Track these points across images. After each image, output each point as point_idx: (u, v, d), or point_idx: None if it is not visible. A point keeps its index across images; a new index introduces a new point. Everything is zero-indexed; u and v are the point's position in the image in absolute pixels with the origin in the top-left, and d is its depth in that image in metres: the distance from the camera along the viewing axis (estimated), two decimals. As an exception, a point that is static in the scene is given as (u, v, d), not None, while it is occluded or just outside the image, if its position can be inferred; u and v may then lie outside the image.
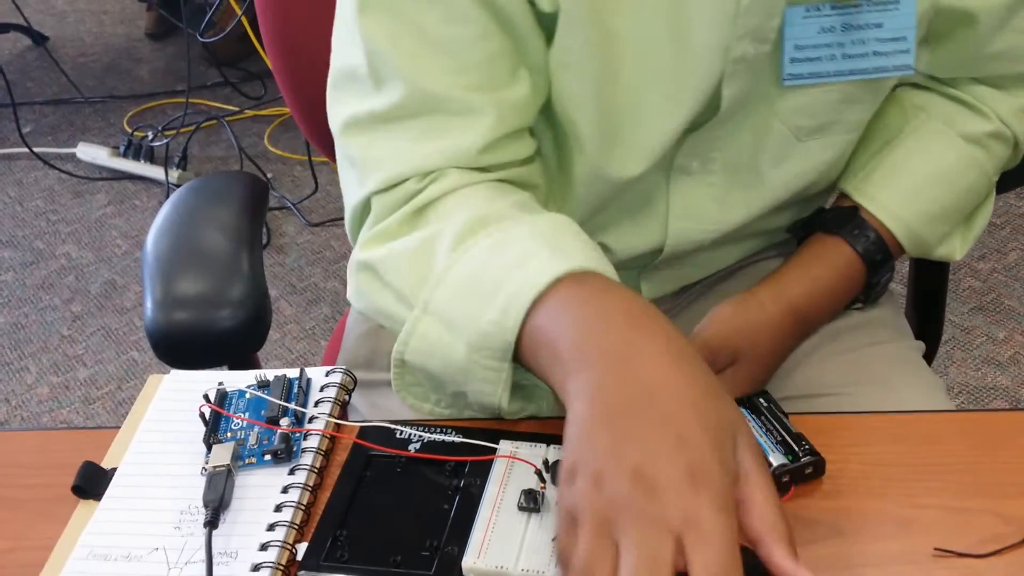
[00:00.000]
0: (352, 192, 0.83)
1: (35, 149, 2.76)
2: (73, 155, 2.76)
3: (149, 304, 0.93)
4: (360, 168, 0.82)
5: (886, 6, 0.82)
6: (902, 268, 1.08)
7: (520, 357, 0.71)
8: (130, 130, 2.81)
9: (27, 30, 3.15)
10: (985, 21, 0.87)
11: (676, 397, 0.62)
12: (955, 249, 0.96)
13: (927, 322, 1.21)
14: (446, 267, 0.73)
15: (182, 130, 2.74)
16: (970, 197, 0.95)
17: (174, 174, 2.62)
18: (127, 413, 0.81)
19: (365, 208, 0.83)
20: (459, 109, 0.79)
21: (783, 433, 0.73)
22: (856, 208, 0.92)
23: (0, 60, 2.82)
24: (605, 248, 0.93)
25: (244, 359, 0.99)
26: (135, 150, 2.70)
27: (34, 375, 2.16)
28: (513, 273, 0.70)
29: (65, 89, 3.00)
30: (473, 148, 0.79)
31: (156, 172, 2.66)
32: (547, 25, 0.80)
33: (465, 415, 0.78)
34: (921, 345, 1.02)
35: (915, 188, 0.92)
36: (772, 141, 0.88)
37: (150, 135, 2.75)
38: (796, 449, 0.72)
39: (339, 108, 0.83)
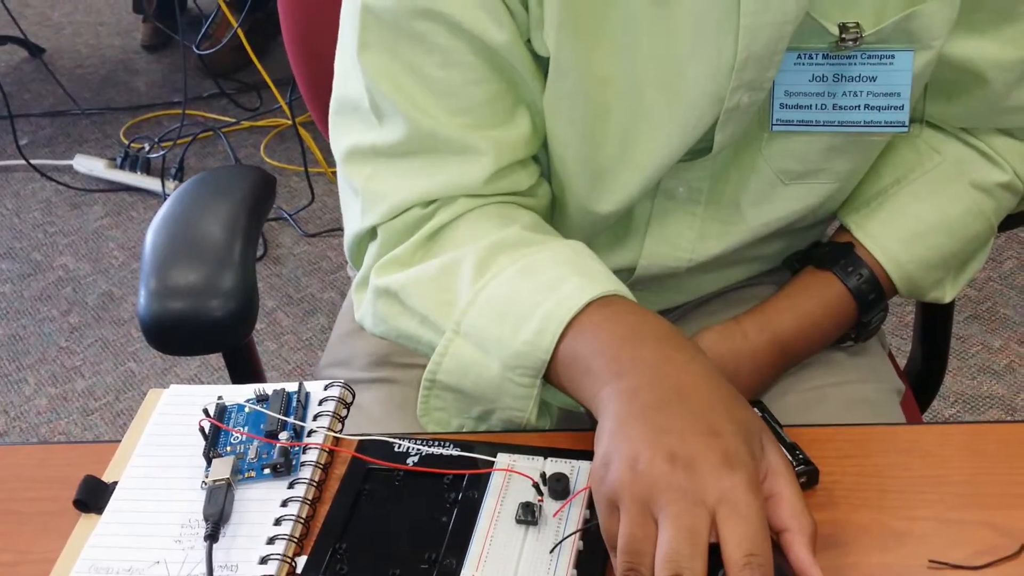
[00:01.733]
0: (354, 221, 0.85)
1: (32, 161, 2.76)
2: (70, 167, 2.76)
3: (143, 294, 0.94)
4: (363, 199, 0.84)
5: (881, 60, 0.81)
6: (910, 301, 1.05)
7: (550, 374, 0.75)
8: (127, 142, 2.81)
9: (24, 42, 3.15)
10: (997, 78, 0.86)
11: (706, 397, 0.67)
12: (946, 293, 0.95)
13: (931, 356, 1.21)
14: (475, 291, 0.77)
15: (179, 141, 2.74)
16: (971, 246, 0.94)
17: (171, 185, 2.63)
18: (125, 424, 0.81)
19: (367, 237, 0.85)
20: (459, 148, 0.81)
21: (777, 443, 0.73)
22: (851, 244, 0.91)
23: (-4, 72, 2.82)
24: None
25: (236, 346, 1.01)
26: (132, 162, 2.70)
27: (32, 386, 2.16)
28: (546, 296, 0.74)
29: (62, 101, 3.01)
30: (476, 183, 0.82)
31: (153, 183, 2.67)
32: (545, 68, 0.81)
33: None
34: (898, 387, 1.00)
35: (918, 234, 0.91)
36: (756, 181, 0.88)
37: (147, 147, 2.75)
38: (790, 459, 0.72)
39: (342, 136, 0.85)
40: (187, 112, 2.76)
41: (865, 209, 0.92)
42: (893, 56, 0.81)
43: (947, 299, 0.96)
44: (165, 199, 2.58)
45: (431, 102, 0.80)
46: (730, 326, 0.89)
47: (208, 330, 0.94)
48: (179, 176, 2.66)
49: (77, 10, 3.56)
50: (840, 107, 0.83)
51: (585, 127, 0.82)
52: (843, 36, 0.79)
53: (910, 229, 0.91)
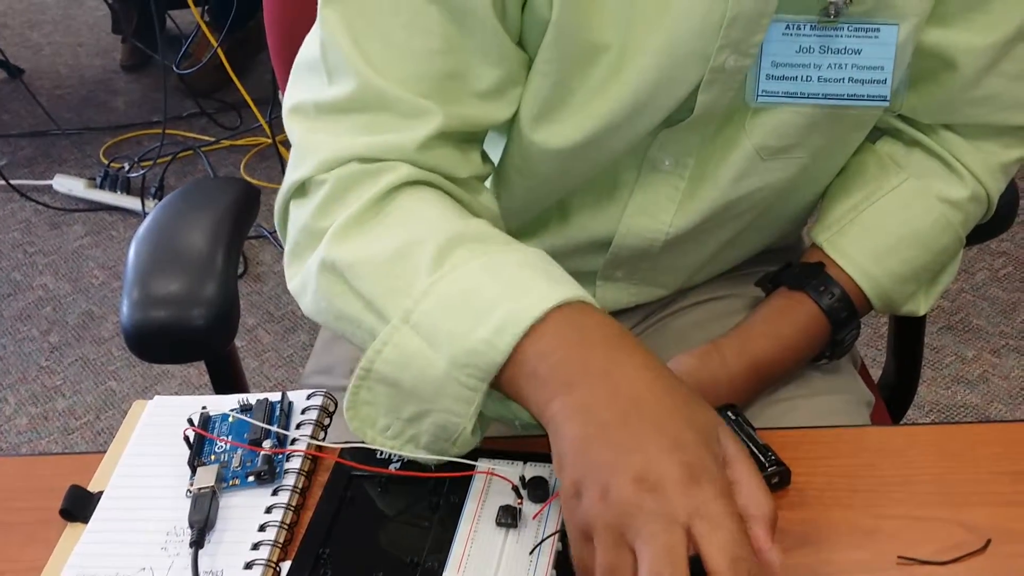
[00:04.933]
0: (288, 174, 0.83)
1: (11, 181, 2.76)
2: (50, 187, 2.77)
3: (125, 304, 0.96)
4: (296, 152, 0.82)
5: (867, 32, 0.83)
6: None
7: (496, 378, 0.71)
8: (106, 161, 2.82)
9: (3, 63, 3.16)
10: (967, 64, 0.87)
11: (663, 405, 0.66)
12: (919, 306, 0.96)
13: (904, 367, 1.23)
14: (432, 281, 0.72)
15: (159, 161, 2.75)
16: (941, 258, 0.95)
17: (151, 204, 2.63)
18: (106, 443, 0.82)
19: (297, 191, 0.82)
20: (407, 111, 0.79)
21: (749, 444, 0.75)
22: (822, 264, 0.93)
23: (-25, 93, 2.83)
24: (562, 222, 0.94)
25: (216, 354, 1.03)
26: (111, 181, 2.71)
27: (12, 406, 2.16)
28: (510, 297, 0.71)
29: (41, 121, 3.01)
30: (411, 144, 0.79)
31: (133, 203, 2.67)
32: (533, 37, 0.81)
33: (404, 450, 0.75)
34: (867, 399, 1.02)
35: (889, 248, 0.92)
36: (737, 156, 0.89)
37: (126, 166, 2.76)
38: (762, 459, 0.74)
39: (289, 95, 0.85)
40: (167, 131, 2.76)
41: (836, 227, 0.94)
42: (879, 29, 0.83)
43: (921, 312, 0.97)
44: (145, 218, 2.60)
45: (388, 63, 0.79)
46: (709, 351, 0.90)
47: (189, 338, 0.95)
48: (159, 195, 2.66)
49: (56, 31, 3.56)
50: (825, 79, 0.84)
51: (567, 87, 0.83)
52: (832, 1, 0.81)
53: (881, 244, 0.93)
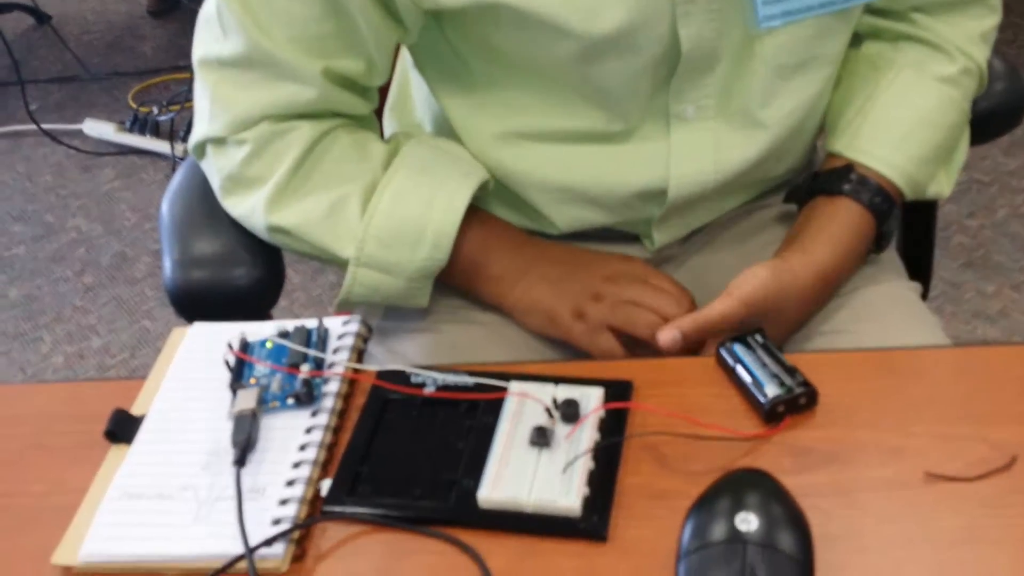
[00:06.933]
0: (202, 124, 0.95)
1: (43, 126, 2.78)
2: (80, 131, 2.79)
3: (168, 264, 0.96)
4: (211, 104, 0.93)
5: None
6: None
7: (446, 276, 0.94)
8: (135, 106, 2.84)
9: (31, 10, 3.17)
10: None
11: (574, 255, 0.98)
12: (942, 186, 0.99)
13: (917, 267, 1.22)
14: (363, 227, 0.91)
15: (186, 104, 2.76)
16: (953, 134, 0.99)
17: (179, 148, 2.65)
18: (142, 378, 0.84)
19: (213, 142, 0.94)
20: (290, 72, 0.90)
21: (777, 366, 0.76)
22: (850, 166, 0.95)
23: (6, 39, 2.84)
24: (606, 183, 0.96)
25: (260, 317, 1.01)
26: (140, 125, 2.73)
27: (49, 345, 2.20)
28: (427, 216, 0.91)
29: (70, 67, 3.03)
30: (307, 103, 0.91)
31: (162, 146, 2.69)
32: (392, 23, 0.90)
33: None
34: (917, 286, 1.05)
35: (904, 135, 0.96)
36: (758, 83, 0.92)
37: (155, 110, 2.77)
38: (790, 381, 0.75)
39: (197, 46, 0.94)
40: (194, 75, 2.77)
41: (849, 131, 0.97)
42: None
43: (946, 192, 1.00)
44: (175, 161, 2.62)
45: (273, 26, 0.88)
46: (778, 264, 0.92)
47: (234, 298, 0.96)
48: (187, 139, 2.67)
49: (82, -24, 3.57)
50: None
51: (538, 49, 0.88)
52: None
53: (896, 134, 0.96)
